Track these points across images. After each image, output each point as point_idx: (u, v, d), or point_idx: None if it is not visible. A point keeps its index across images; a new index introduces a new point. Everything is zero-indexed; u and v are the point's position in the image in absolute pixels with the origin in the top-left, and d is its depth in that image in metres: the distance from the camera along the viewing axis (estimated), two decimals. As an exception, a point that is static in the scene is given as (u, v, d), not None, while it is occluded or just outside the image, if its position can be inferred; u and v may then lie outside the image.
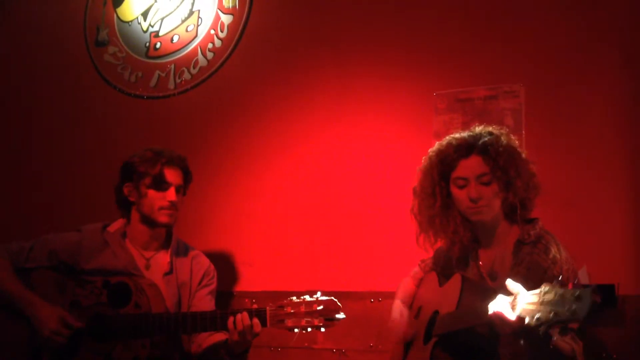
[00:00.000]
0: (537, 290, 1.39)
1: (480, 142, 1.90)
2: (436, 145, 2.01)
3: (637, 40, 2.35)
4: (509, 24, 2.55)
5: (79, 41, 3.37)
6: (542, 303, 1.36)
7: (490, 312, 1.55)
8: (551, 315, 1.32)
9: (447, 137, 2.00)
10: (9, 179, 3.42)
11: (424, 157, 2.05)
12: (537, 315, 1.35)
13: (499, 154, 1.86)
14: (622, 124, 2.33)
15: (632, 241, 2.26)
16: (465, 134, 1.96)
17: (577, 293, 1.30)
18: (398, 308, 2.09)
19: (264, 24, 3.00)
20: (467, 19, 2.62)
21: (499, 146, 1.88)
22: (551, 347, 1.51)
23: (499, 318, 1.51)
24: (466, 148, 1.91)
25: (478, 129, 1.96)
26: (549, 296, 1.35)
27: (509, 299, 1.50)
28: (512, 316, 1.45)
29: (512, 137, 1.96)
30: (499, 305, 1.51)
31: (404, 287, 2.19)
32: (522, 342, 1.63)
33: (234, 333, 1.99)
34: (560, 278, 1.38)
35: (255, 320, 1.96)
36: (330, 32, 2.86)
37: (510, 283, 1.51)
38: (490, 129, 1.96)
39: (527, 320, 1.37)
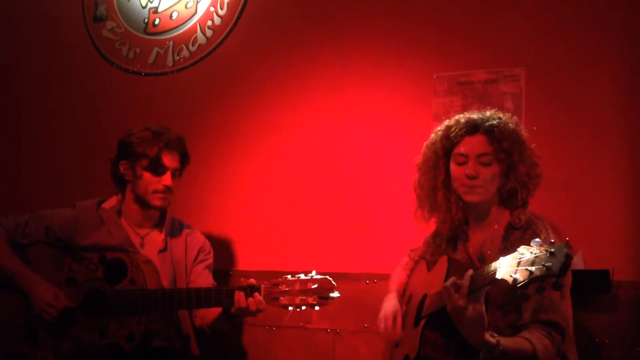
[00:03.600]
0: (515, 254, 1.46)
1: (488, 123, 1.90)
2: (445, 122, 2.01)
3: (638, 25, 2.33)
4: (510, 8, 2.52)
5: (76, 16, 3.33)
6: (519, 264, 1.43)
7: (446, 283, 1.63)
8: (527, 274, 1.40)
9: (457, 115, 2.00)
10: (6, 155, 3.40)
11: (432, 134, 2.04)
12: (515, 276, 1.42)
13: (504, 136, 1.87)
14: (621, 109, 2.32)
15: (628, 227, 2.27)
16: (475, 114, 1.96)
17: (551, 249, 1.38)
18: (393, 306, 2.05)
19: (264, 2, 2.97)
20: (469, 1, 2.59)
21: (505, 129, 1.88)
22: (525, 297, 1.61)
23: (447, 291, 1.60)
24: (473, 126, 1.92)
25: (489, 112, 1.96)
26: (526, 257, 1.42)
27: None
28: (461, 299, 1.56)
29: (521, 127, 1.96)
30: (450, 281, 1.61)
31: (397, 278, 2.20)
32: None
33: (240, 312, 2.00)
34: (537, 240, 1.44)
35: (251, 300, 1.96)
36: (331, 11, 2.83)
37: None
38: (500, 114, 1.95)
39: (509, 282, 1.45)
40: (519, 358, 1.64)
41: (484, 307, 1.59)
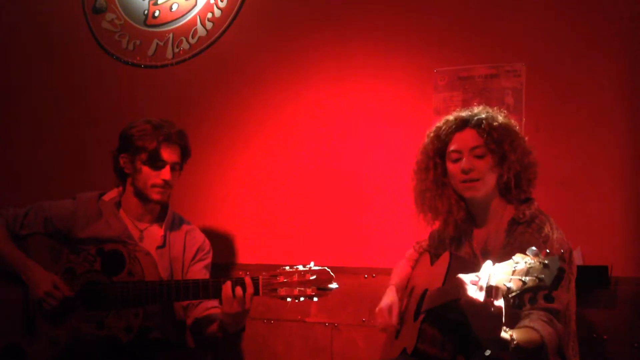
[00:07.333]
0: (510, 261, 1.45)
1: (476, 117, 1.92)
2: (435, 124, 2.03)
3: (638, 21, 2.32)
4: (512, 3, 2.52)
5: (76, 7, 3.32)
6: (514, 273, 1.41)
7: (460, 275, 1.59)
8: (520, 284, 1.38)
9: (446, 116, 2.02)
10: (4, 147, 3.39)
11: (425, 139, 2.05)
12: (509, 285, 1.41)
13: (493, 127, 1.88)
14: (622, 104, 2.32)
15: (627, 223, 2.27)
16: (463, 111, 1.98)
17: (545, 261, 1.37)
18: (390, 299, 2.05)
19: (265, -5, 2.96)
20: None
21: (493, 121, 1.90)
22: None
23: (460, 283, 1.56)
24: (462, 122, 1.94)
25: (477, 109, 1.98)
26: (520, 267, 1.41)
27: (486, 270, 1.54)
28: (478, 293, 1.51)
29: (512, 119, 1.96)
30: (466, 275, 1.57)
31: (399, 271, 2.19)
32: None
33: (227, 302, 1.99)
34: (533, 249, 1.42)
35: (239, 289, 1.95)
36: (331, 5, 2.82)
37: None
38: (489, 108, 1.97)
39: (503, 290, 1.43)
40: (529, 350, 1.61)
41: (502, 303, 1.52)
